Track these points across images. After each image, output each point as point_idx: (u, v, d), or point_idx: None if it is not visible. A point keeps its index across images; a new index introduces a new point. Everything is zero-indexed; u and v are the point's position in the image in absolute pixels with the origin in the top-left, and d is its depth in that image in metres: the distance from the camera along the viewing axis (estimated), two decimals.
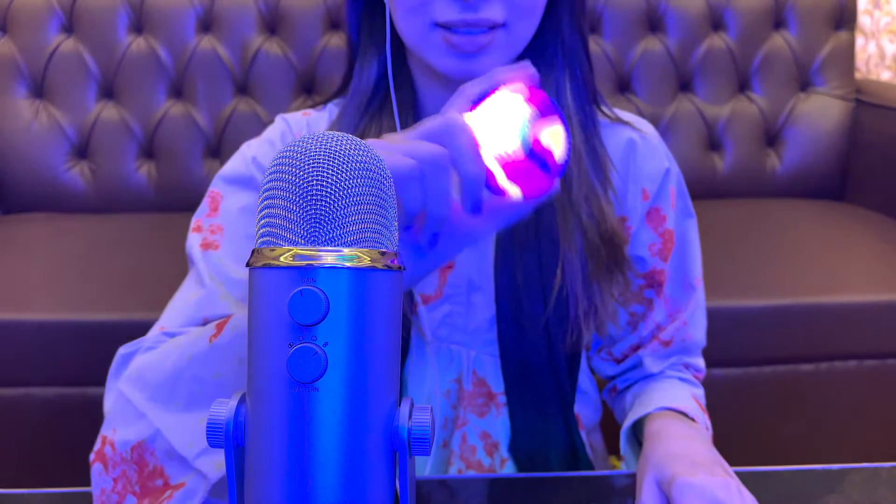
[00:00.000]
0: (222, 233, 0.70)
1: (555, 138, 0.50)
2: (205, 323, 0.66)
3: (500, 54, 0.65)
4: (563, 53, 0.71)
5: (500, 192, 0.50)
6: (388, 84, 0.71)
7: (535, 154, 0.49)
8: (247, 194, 0.72)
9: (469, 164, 0.47)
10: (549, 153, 0.49)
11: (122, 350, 0.64)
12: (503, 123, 0.49)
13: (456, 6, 0.62)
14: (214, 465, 0.53)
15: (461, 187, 0.48)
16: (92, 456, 0.59)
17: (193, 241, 0.70)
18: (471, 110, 0.51)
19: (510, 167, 0.49)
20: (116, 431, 0.58)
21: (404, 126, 0.70)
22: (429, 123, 0.49)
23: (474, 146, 0.48)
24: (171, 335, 0.64)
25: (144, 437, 0.56)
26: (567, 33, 0.71)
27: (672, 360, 0.82)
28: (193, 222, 0.72)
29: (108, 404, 0.61)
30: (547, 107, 0.50)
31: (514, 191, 0.50)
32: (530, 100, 0.50)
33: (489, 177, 0.49)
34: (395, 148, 0.46)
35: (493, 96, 0.51)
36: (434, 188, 0.46)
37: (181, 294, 0.70)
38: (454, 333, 0.75)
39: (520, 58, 0.70)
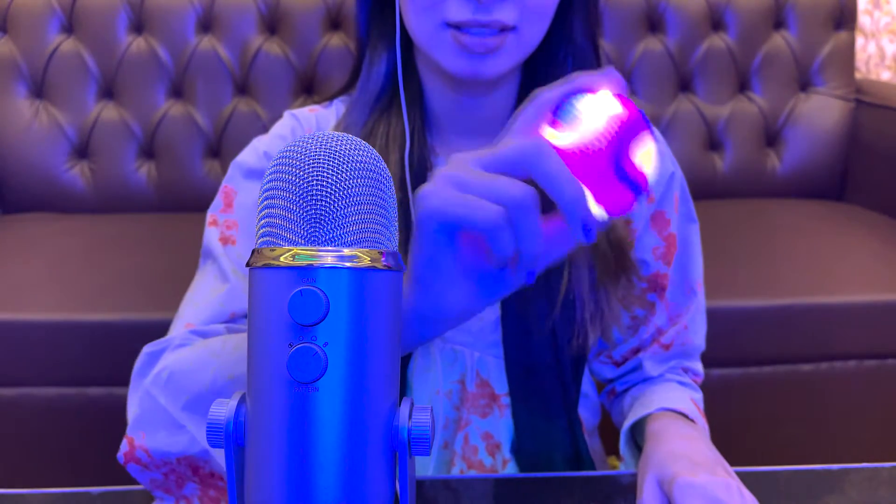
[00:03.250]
0: (237, 228, 0.70)
1: (646, 155, 0.45)
2: (232, 318, 0.66)
3: (509, 57, 0.65)
4: (573, 59, 0.71)
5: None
6: (397, 81, 0.71)
7: (626, 174, 0.44)
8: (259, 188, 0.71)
9: (566, 190, 0.42)
10: (641, 172, 0.44)
11: (148, 348, 0.63)
12: (591, 139, 0.44)
13: (469, 6, 0.62)
14: None
15: (564, 216, 0.43)
16: (121, 457, 0.59)
17: (212, 236, 0.70)
18: (552, 122, 0.46)
19: (598, 187, 0.44)
20: (147, 436, 0.57)
21: (411, 123, 0.70)
22: (510, 147, 0.44)
23: (565, 169, 0.43)
24: (200, 333, 0.64)
25: (192, 452, 0.56)
26: (578, 39, 0.71)
27: (671, 363, 0.82)
28: (209, 217, 0.72)
29: (135, 404, 0.60)
30: (638, 119, 0.45)
31: (599, 212, 0.45)
32: (618, 109, 0.45)
33: None
34: (477, 187, 0.43)
35: (577, 106, 0.46)
36: (524, 231, 0.43)
37: (201, 289, 0.69)
38: (458, 334, 0.75)
39: (530, 61, 0.70)
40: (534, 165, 0.43)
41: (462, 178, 0.44)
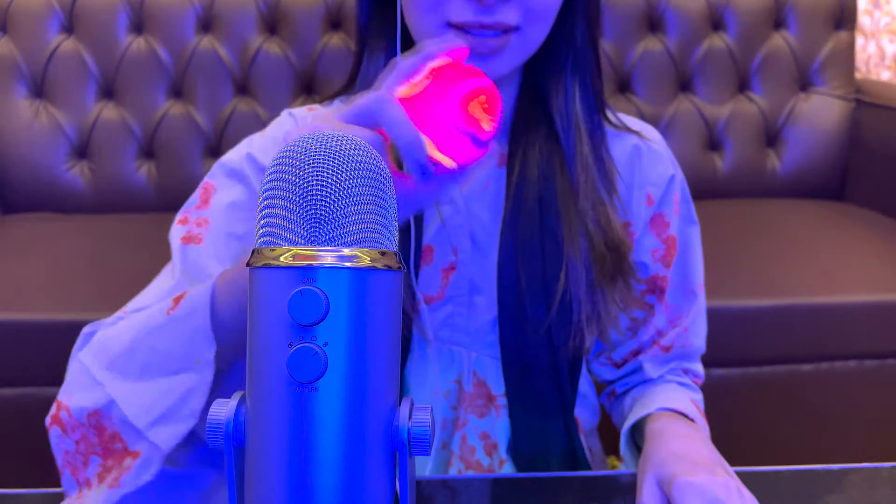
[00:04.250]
0: (208, 226, 0.70)
1: (484, 109, 0.51)
2: None
3: (511, 57, 0.65)
4: (574, 61, 0.71)
5: (433, 162, 0.50)
6: None
7: (466, 127, 0.50)
8: (237, 189, 0.71)
9: (403, 132, 0.48)
10: (480, 127, 0.50)
11: (86, 329, 0.65)
12: (434, 95, 0.50)
13: (471, 7, 0.62)
14: (166, 436, 0.54)
15: (403, 156, 0.49)
16: (48, 420, 0.60)
17: (175, 234, 0.70)
18: (403, 82, 0.52)
19: (441, 138, 0.50)
20: (72, 397, 0.59)
21: None
22: (359, 101, 0.49)
23: (404, 116, 0.48)
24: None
25: (100, 405, 0.57)
26: (579, 41, 0.71)
27: (671, 365, 0.82)
28: (181, 214, 0.71)
29: (68, 372, 0.62)
30: (480, 80, 0.51)
31: (447, 161, 0.50)
32: (460, 72, 0.51)
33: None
34: None
35: (424, 70, 0.52)
36: None
37: (153, 283, 0.71)
38: (455, 334, 0.75)
39: (531, 63, 0.70)
40: (378, 113, 0.48)
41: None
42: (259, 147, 0.73)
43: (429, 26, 0.64)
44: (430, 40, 0.54)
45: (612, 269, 0.72)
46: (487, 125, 0.51)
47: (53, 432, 0.60)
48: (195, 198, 0.72)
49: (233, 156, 0.74)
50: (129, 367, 0.57)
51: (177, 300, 0.58)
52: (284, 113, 0.77)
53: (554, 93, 0.72)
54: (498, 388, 0.75)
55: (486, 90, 0.52)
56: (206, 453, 0.59)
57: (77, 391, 0.59)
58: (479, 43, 0.63)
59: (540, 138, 0.72)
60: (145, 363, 0.57)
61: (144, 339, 0.57)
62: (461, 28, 0.63)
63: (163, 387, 0.55)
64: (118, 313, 0.67)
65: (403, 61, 0.53)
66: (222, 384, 0.57)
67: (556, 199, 0.71)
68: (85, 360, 0.60)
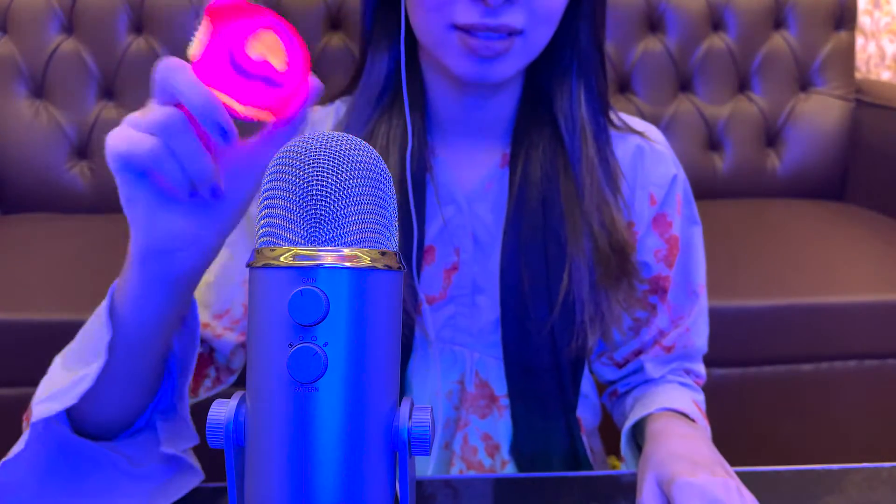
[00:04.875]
0: None
1: (266, 46, 0.47)
2: None
3: (516, 60, 0.65)
4: (578, 63, 0.71)
5: (244, 118, 0.47)
6: (399, 81, 0.71)
7: (247, 69, 0.46)
8: None
9: (193, 97, 0.44)
10: (264, 64, 0.46)
11: None
12: (216, 48, 0.46)
13: (477, 10, 0.62)
14: (41, 411, 0.54)
15: (201, 123, 0.45)
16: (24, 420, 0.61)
17: None
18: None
19: (233, 89, 0.46)
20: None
21: (413, 122, 0.70)
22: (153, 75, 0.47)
23: (191, 78, 0.44)
24: None
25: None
26: (584, 44, 0.70)
27: (673, 365, 0.82)
28: None
29: None
30: (256, 17, 0.47)
31: (256, 112, 0.47)
32: (240, 14, 0.47)
33: (227, 108, 0.46)
34: (137, 121, 0.45)
35: (203, 25, 0.47)
36: (180, 152, 0.45)
37: None
38: (458, 335, 0.75)
39: (534, 64, 0.70)
40: (167, 83, 0.45)
41: (133, 115, 0.46)
42: None
43: (433, 27, 0.64)
44: None
45: (616, 269, 0.72)
46: (278, 63, 0.47)
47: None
48: None
49: None
50: (70, 361, 0.58)
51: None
52: None
53: (558, 95, 0.72)
54: (500, 388, 0.75)
55: (271, 25, 0.47)
56: (165, 455, 0.59)
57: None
58: (483, 46, 0.63)
59: (543, 139, 0.72)
60: (78, 356, 0.57)
61: (81, 334, 0.59)
62: (466, 30, 0.63)
63: (72, 375, 0.55)
64: None
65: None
66: (140, 372, 0.56)
67: (560, 199, 0.71)
68: (56, 359, 0.60)
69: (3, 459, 0.54)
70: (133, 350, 0.54)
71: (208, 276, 0.69)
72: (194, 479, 0.60)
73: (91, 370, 0.53)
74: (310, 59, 0.48)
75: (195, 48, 0.47)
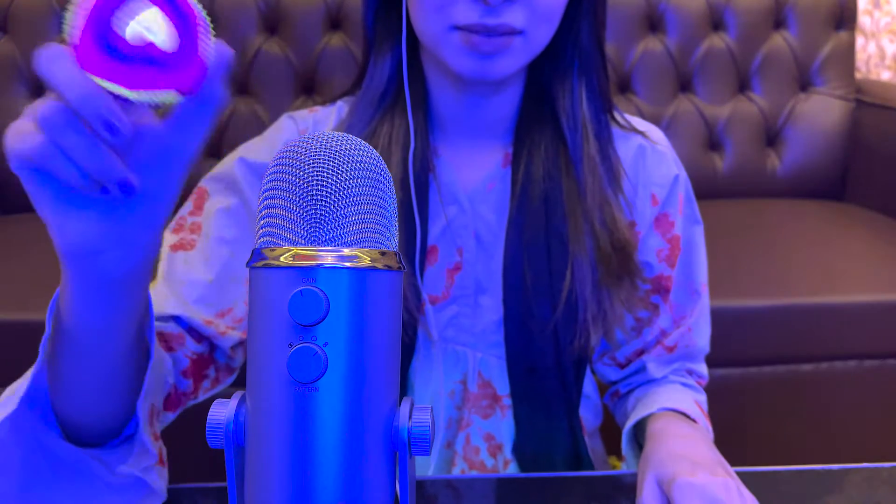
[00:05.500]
0: (200, 232, 0.70)
1: (144, 24, 0.41)
2: None
3: (516, 58, 0.65)
4: (580, 62, 0.71)
5: (143, 104, 0.41)
6: (401, 81, 0.71)
7: (125, 51, 0.40)
8: (226, 196, 0.71)
9: (70, 90, 0.38)
10: (148, 44, 0.40)
11: None
12: (81, 28, 0.40)
13: (477, 10, 0.62)
14: None
15: (83, 118, 0.39)
16: None
17: (167, 241, 0.70)
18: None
19: (115, 74, 0.40)
20: None
21: (416, 122, 0.70)
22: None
23: (69, 67, 0.39)
24: None
25: None
26: (585, 42, 0.71)
27: (675, 365, 0.82)
28: (175, 221, 0.71)
29: None
30: None
31: (151, 96, 0.41)
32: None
33: (117, 96, 0.40)
34: (27, 115, 0.41)
35: (75, 8, 0.41)
36: (72, 146, 0.40)
37: None
38: (461, 334, 0.75)
39: (536, 63, 0.71)
40: (45, 74, 0.39)
41: (31, 105, 0.41)
42: (253, 149, 0.74)
43: (434, 28, 0.64)
44: None
45: (618, 268, 0.72)
46: (161, 38, 0.40)
47: None
48: (189, 203, 0.72)
49: (225, 161, 0.74)
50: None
51: None
52: (284, 116, 0.77)
53: (560, 94, 0.72)
54: (503, 388, 0.75)
55: (143, 3, 0.41)
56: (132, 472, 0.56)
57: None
58: (484, 41, 0.63)
59: (545, 138, 0.72)
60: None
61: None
62: (467, 30, 0.63)
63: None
64: None
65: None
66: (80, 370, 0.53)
67: (562, 198, 0.71)
68: None
69: None
70: (88, 353, 0.51)
71: (208, 275, 0.69)
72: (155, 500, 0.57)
73: (31, 370, 0.51)
74: (205, 24, 0.41)
75: (68, 29, 0.40)
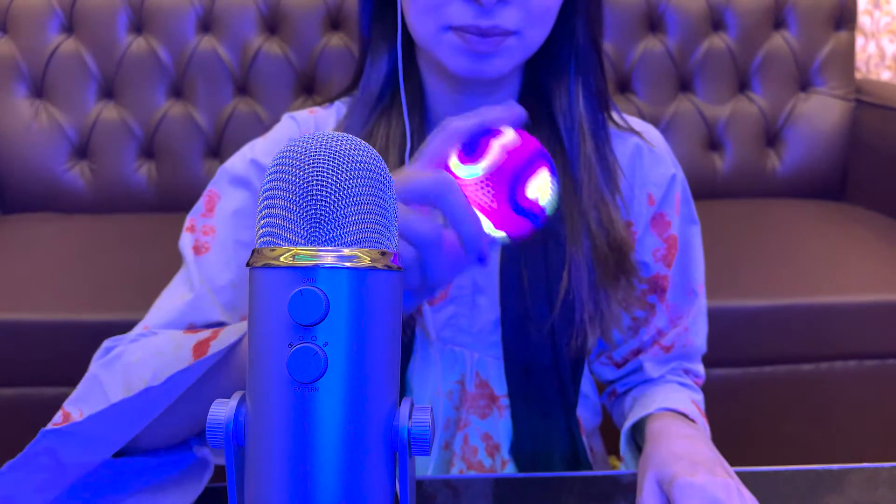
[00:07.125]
0: (214, 235, 0.70)
1: (542, 188, 0.49)
2: (190, 327, 0.67)
3: (511, 57, 0.65)
4: (576, 61, 0.71)
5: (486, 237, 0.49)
6: (397, 82, 0.72)
7: (522, 205, 0.49)
8: (242, 196, 0.72)
9: (465, 224, 0.46)
10: (536, 204, 0.49)
11: (107, 343, 0.65)
12: (491, 172, 0.49)
13: (471, 11, 0.62)
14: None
15: (464, 246, 0.47)
16: (50, 427, 0.60)
17: (186, 242, 0.71)
18: (459, 154, 0.50)
19: (497, 217, 0.49)
20: (83, 413, 0.59)
21: (412, 123, 0.70)
22: (419, 180, 0.46)
23: (466, 204, 0.46)
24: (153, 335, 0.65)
25: None
26: (581, 41, 0.71)
27: (672, 365, 0.82)
28: (188, 221, 0.72)
29: (81, 383, 0.62)
30: (536, 153, 0.50)
31: (499, 235, 0.49)
32: (519, 145, 0.49)
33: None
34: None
35: (481, 140, 0.50)
36: (431, 264, 0.46)
37: (169, 293, 0.70)
38: (458, 335, 0.75)
39: (532, 62, 0.70)
40: (439, 198, 0.45)
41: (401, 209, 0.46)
42: (262, 151, 0.74)
43: (429, 29, 0.64)
44: (487, 107, 0.51)
45: (614, 268, 0.72)
46: (547, 204, 0.49)
47: None
48: (200, 205, 0.73)
49: (236, 161, 0.74)
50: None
51: (201, 345, 0.57)
52: (286, 117, 0.77)
53: (557, 93, 0.72)
54: (500, 388, 0.75)
55: (543, 166, 0.50)
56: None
57: (89, 409, 0.59)
58: (478, 40, 0.63)
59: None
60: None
61: (161, 387, 0.56)
62: (461, 31, 0.63)
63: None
64: (138, 328, 0.67)
65: (456, 123, 0.50)
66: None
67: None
68: (102, 379, 0.60)
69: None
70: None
71: (230, 279, 0.69)
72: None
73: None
74: None
75: (467, 164, 0.49)
